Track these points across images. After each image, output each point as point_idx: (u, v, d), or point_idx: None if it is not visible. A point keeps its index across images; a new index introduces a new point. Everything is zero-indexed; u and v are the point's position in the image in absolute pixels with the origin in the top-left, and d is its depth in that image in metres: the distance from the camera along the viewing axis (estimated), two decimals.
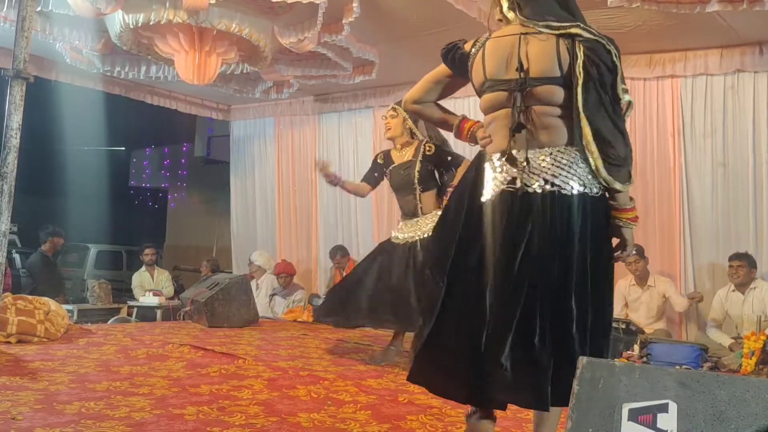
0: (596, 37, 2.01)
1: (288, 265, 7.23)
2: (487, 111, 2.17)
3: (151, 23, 4.67)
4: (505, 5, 2.13)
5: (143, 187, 17.03)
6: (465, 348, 1.99)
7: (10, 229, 2.36)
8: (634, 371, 1.64)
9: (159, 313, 6.91)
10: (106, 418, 2.48)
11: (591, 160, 1.99)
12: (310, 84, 6.75)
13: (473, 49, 2.17)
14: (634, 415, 1.58)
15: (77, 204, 14.61)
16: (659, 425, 1.55)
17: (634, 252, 2.38)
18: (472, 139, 2.24)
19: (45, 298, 4.79)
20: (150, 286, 7.77)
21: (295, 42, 4.99)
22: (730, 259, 4.94)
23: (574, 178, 2.01)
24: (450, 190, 3.65)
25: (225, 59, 5.25)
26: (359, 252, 7.42)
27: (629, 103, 2.09)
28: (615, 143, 2.01)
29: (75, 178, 15.28)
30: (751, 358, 3.93)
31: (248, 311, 5.71)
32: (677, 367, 3.09)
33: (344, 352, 4.37)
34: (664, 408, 1.55)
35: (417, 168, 3.87)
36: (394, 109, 3.97)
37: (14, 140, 2.29)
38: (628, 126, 2.14)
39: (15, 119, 2.27)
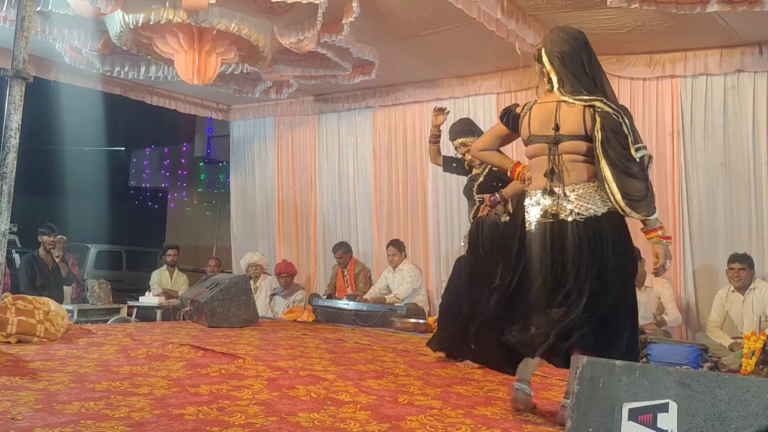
0: (612, 110, 2.77)
1: (289, 265, 7.23)
2: (530, 157, 2.97)
3: (150, 23, 4.67)
4: (555, 81, 2.90)
5: (143, 187, 17.03)
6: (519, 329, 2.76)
7: (10, 229, 2.36)
8: (634, 371, 1.64)
9: (159, 313, 6.91)
10: (106, 418, 2.48)
11: (611, 195, 2.73)
12: (310, 84, 6.75)
13: (522, 112, 3.00)
14: (634, 415, 1.58)
15: (77, 204, 14.60)
16: (659, 425, 1.55)
17: (669, 265, 2.88)
18: (522, 180, 3.07)
19: (45, 298, 4.78)
20: (167, 285, 7.83)
21: (295, 42, 4.99)
22: (730, 261, 4.92)
23: (590, 207, 2.80)
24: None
25: (225, 59, 5.25)
26: (359, 252, 7.44)
27: (650, 157, 2.83)
28: (628, 184, 2.71)
29: (75, 178, 15.27)
30: (751, 358, 3.93)
31: (248, 311, 5.70)
32: (677, 367, 3.08)
33: (344, 352, 4.37)
34: (664, 408, 1.55)
35: (479, 181, 4.40)
36: (463, 144, 4.50)
37: (14, 140, 2.29)
38: None
39: (14, 119, 2.27)
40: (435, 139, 4.69)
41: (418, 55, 6.05)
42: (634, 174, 2.72)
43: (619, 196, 2.69)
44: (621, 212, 2.74)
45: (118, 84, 7.18)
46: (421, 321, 5.78)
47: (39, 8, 4.52)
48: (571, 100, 2.83)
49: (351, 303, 6.35)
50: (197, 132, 12.72)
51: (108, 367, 3.53)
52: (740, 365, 3.99)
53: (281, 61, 5.96)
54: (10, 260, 9.34)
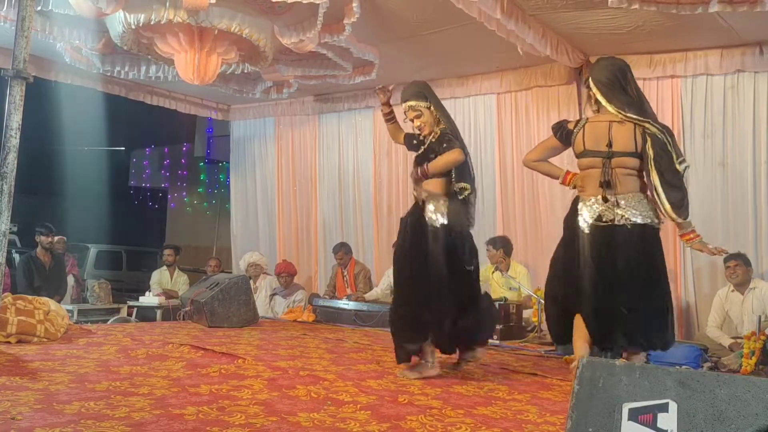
0: (658, 131, 3.30)
1: (289, 264, 7.23)
2: (583, 169, 3.48)
3: (151, 23, 4.67)
4: (602, 99, 3.41)
5: (143, 187, 17.02)
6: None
7: (10, 229, 2.36)
8: (634, 371, 1.64)
9: (159, 313, 6.91)
10: (106, 418, 2.48)
11: (659, 203, 3.28)
12: (310, 84, 6.75)
13: (575, 129, 3.50)
14: (634, 415, 1.58)
15: (77, 204, 14.61)
16: (659, 425, 1.55)
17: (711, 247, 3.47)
18: (573, 186, 3.59)
19: (45, 298, 4.79)
20: (167, 285, 7.83)
21: (296, 42, 4.99)
22: (726, 260, 4.93)
23: (638, 213, 3.33)
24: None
25: (225, 59, 5.25)
26: (359, 252, 7.43)
27: (686, 167, 3.34)
28: (673, 194, 3.27)
29: (75, 178, 15.27)
30: (751, 358, 3.93)
31: (248, 311, 5.71)
32: (677, 367, 3.07)
33: (344, 352, 4.37)
34: (664, 408, 1.55)
35: (417, 153, 3.89)
36: (412, 108, 3.82)
37: (14, 140, 2.29)
38: None
39: (15, 119, 2.27)
40: (388, 117, 4.24)
41: (418, 55, 6.05)
42: (677, 185, 3.29)
43: (668, 206, 3.26)
44: (669, 218, 3.32)
45: (119, 84, 7.17)
46: None
47: (39, 8, 4.52)
48: (621, 117, 3.35)
49: (351, 303, 6.35)
50: (197, 132, 12.71)
51: (108, 367, 3.53)
52: (740, 365, 3.99)
53: (281, 61, 5.96)
54: (10, 260, 9.33)
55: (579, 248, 3.38)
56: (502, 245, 5.99)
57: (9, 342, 4.14)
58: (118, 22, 4.80)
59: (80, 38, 5.36)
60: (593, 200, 3.37)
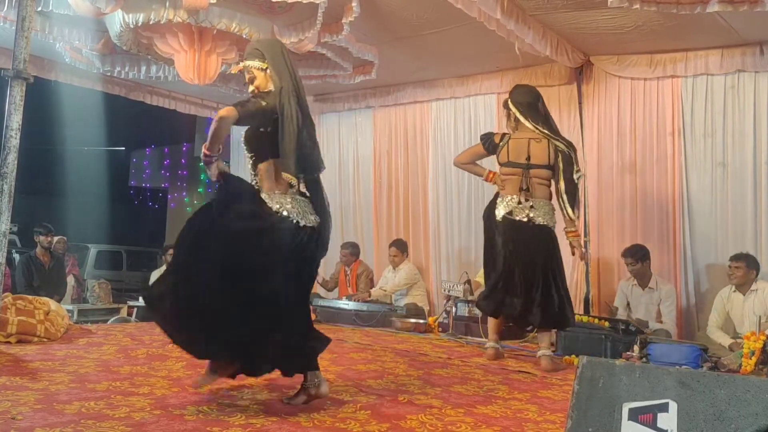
0: (565, 146, 4.18)
1: None
2: (505, 174, 4.26)
3: (151, 23, 4.66)
4: (520, 117, 4.24)
5: (143, 187, 17.04)
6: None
7: (10, 229, 2.36)
8: (634, 371, 1.64)
9: None
10: (106, 418, 2.48)
11: (563, 206, 4.18)
12: (310, 84, 6.74)
13: (500, 143, 4.31)
14: (634, 415, 1.58)
15: (77, 204, 14.62)
16: (659, 425, 1.55)
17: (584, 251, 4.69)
18: (493, 183, 4.43)
19: (45, 298, 4.78)
20: None
21: (295, 42, 4.99)
22: (730, 259, 4.93)
23: (541, 216, 4.14)
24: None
25: (225, 59, 5.25)
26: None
27: (579, 177, 4.21)
28: (572, 199, 4.17)
29: (75, 178, 15.28)
30: (751, 358, 3.92)
31: None
32: (677, 367, 3.08)
33: (344, 352, 4.37)
34: (664, 407, 1.55)
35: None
36: (246, 69, 2.98)
37: (14, 140, 2.29)
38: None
39: (15, 119, 2.27)
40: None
41: (418, 55, 6.05)
42: (574, 193, 4.18)
43: (569, 209, 4.17)
44: (569, 217, 4.19)
45: (119, 84, 7.17)
46: (421, 321, 5.78)
47: (39, 8, 4.51)
48: (537, 133, 4.19)
49: (351, 303, 6.35)
50: (197, 132, 12.71)
51: (108, 367, 3.53)
52: (740, 365, 3.99)
53: None
54: (10, 260, 9.32)
55: (495, 236, 4.23)
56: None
57: (9, 342, 4.14)
58: (118, 22, 4.80)
59: (80, 38, 5.35)
60: (510, 198, 4.19)
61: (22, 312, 4.31)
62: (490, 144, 4.39)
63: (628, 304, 5.40)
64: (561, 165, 4.14)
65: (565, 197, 4.15)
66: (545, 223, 4.14)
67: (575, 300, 5.95)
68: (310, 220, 2.93)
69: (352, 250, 7.01)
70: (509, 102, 4.32)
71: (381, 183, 7.42)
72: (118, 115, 12.12)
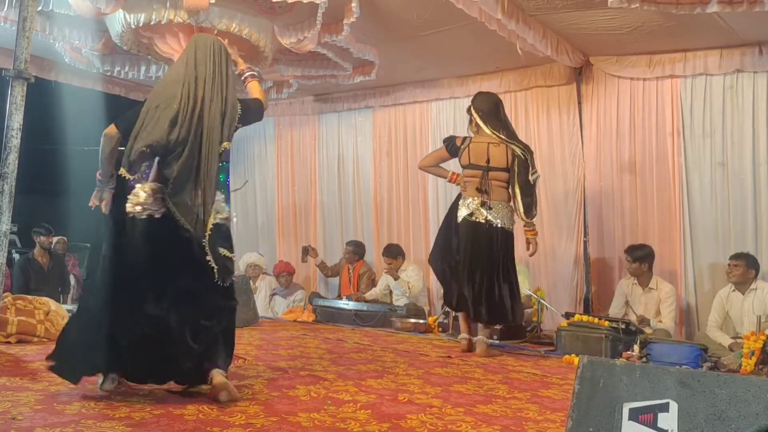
0: (521, 150, 4.45)
1: (286, 264, 7.23)
2: (467, 176, 4.54)
3: (151, 23, 4.67)
4: (481, 123, 4.52)
5: None
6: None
7: (11, 229, 2.36)
8: (634, 371, 1.65)
9: None
10: (106, 418, 2.48)
11: (517, 208, 4.46)
12: (310, 84, 6.74)
13: (462, 146, 4.59)
14: (634, 415, 1.58)
15: (77, 204, 14.57)
16: (660, 425, 1.55)
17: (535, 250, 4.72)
18: (457, 184, 4.68)
19: (45, 298, 4.78)
20: None
21: (295, 42, 4.99)
22: (730, 258, 4.93)
23: (500, 218, 4.44)
24: None
25: None
26: None
27: (536, 178, 4.50)
28: (525, 200, 4.41)
29: (75, 178, 15.22)
30: (751, 358, 3.93)
31: (248, 311, 5.70)
32: (677, 367, 3.08)
33: (344, 352, 4.37)
34: (664, 407, 1.56)
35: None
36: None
37: (15, 140, 2.29)
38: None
39: (16, 119, 2.27)
40: None
41: (418, 55, 6.05)
42: (529, 194, 4.43)
43: (522, 209, 4.43)
44: (521, 217, 4.44)
45: (119, 84, 7.17)
46: (421, 321, 5.78)
47: (40, 8, 4.51)
48: (495, 138, 4.45)
49: (351, 303, 6.35)
50: None
51: None
52: (740, 365, 3.99)
53: (281, 61, 5.96)
54: (10, 260, 9.31)
55: (452, 235, 4.51)
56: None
57: (9, 342, 4.14)
58: (118, 22, 4.80)
59: (80, 38, 5.35)
60: (470, 200, 4.47)
61: (22, 312, 4.31)
62: (452, 147, 4.67)
63: (627, 302, 5.41)
64: (516, 168, 4.43)
65: (519, 199, 4.42)
66: (503, 225, 4.44)
67: (575, 300, 5.96)
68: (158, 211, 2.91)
69: (354, 249, 7.00)
70: (471, 108, 4.64)
71: (381, 183, 7.44)
72: (118, 115, 12.07)
